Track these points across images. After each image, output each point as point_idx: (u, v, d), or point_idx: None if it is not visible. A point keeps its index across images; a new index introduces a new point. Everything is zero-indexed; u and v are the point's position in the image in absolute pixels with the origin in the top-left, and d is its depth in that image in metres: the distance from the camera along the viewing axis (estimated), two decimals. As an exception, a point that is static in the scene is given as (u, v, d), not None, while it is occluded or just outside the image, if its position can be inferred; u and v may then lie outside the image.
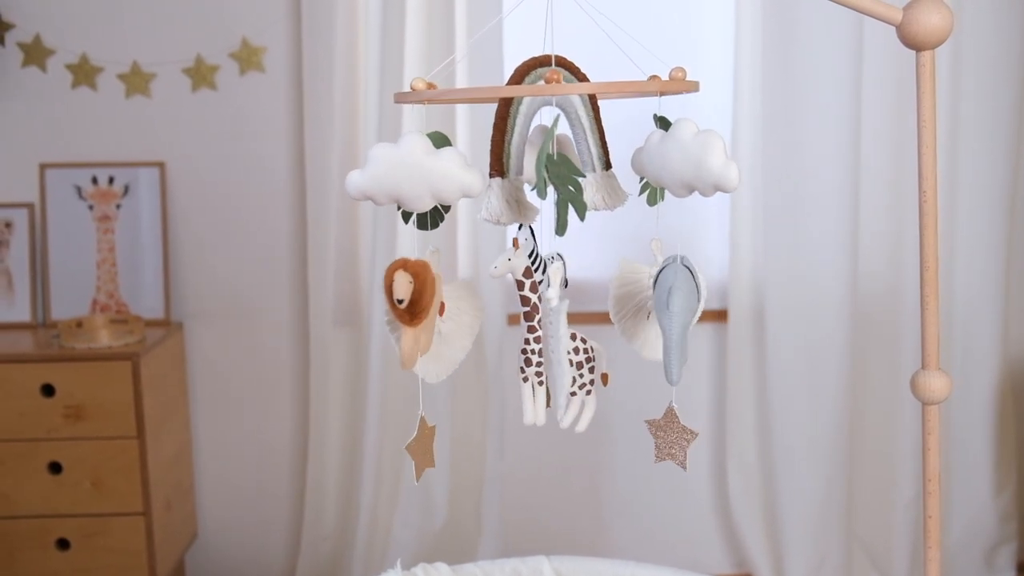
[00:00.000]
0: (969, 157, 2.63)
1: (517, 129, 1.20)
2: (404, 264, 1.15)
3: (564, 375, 1.19)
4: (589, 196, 1.18)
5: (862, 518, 2.80)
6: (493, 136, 1.21)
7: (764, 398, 2.73)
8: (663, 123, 1.20)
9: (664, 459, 1.23)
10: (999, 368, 2.73)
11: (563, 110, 1.19)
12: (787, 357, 2.67)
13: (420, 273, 1.15)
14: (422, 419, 1.23)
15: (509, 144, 1.20)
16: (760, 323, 2.71)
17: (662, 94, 1.16)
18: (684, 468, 1.22)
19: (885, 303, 2.71)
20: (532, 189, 1.16)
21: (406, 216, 1.18)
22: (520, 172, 1.22)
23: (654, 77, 1.19)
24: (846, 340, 2.65)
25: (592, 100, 1.20)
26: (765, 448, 2.76)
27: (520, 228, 1.33)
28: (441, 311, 1.27)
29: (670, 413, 1.22)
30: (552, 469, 2.86)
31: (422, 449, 1.23)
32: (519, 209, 1.23)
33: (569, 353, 1.24)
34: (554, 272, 1.18)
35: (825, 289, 2.64)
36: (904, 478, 2.75)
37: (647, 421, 1.24)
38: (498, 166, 1.20)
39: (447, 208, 1.18)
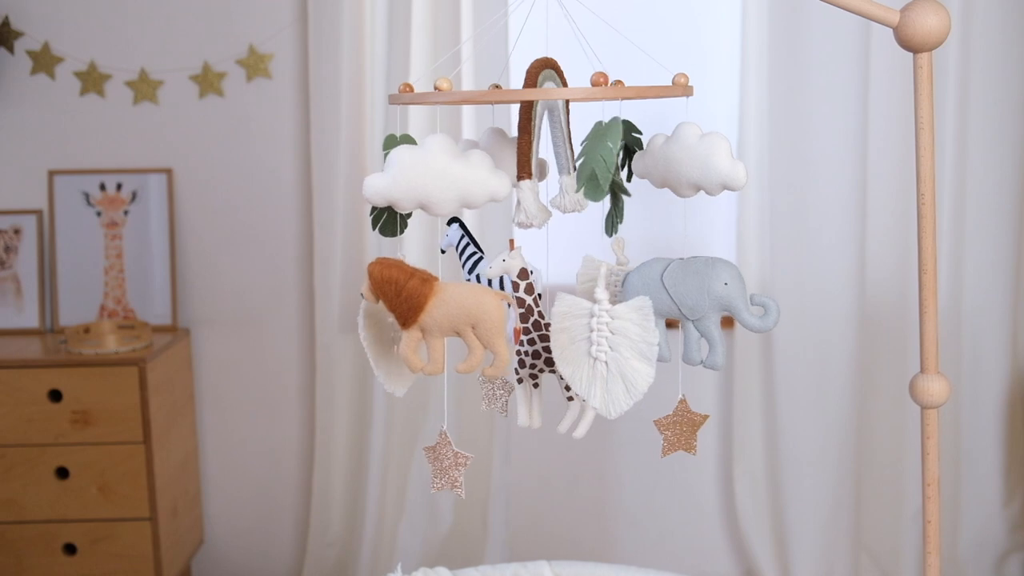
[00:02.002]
0: (977, 163, 2.61)
1: (536, 132, 1.20)
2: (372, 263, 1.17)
3: (645, 372, 1.15)
4: (566, 199, 1.19)
5: (870, 526, 2.78)
6: (521, 139, 1.19)
7: (771, 404, 2.71)
8: (627, 128, 1.22)
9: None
10: (1008, 377, 2.71)
11: (550, 114, 1.20)
12: (794, 363, 2.66)
13: (372, 273, 1.16)
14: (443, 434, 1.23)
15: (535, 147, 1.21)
16: (767, 329, 2.70)
17: (624, 99, 1.17)
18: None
19: (893, 309, 2.70)
20: (578, 190, 1.14)
21: (375, 223, 1.19)
22: (540, 175, 1.23)
23: (618, 82, 1.19)
24: (854, 346, 2.64)
25: (567, 105, 1.20)
26: (772, 455, 2.74)
27: (449, 224, 1.34)
28: (516, 336, 1.23)
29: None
30: (558, 476, 2.85)
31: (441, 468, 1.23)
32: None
33: None
34: (604, 272, 1.17)
35: (832, 294, 2.62)
36: (912, 486, 2.73)
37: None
38: (528, 169, 1.19)
39: (409, 214, 1.18)
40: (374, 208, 1.21)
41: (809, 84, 2.56)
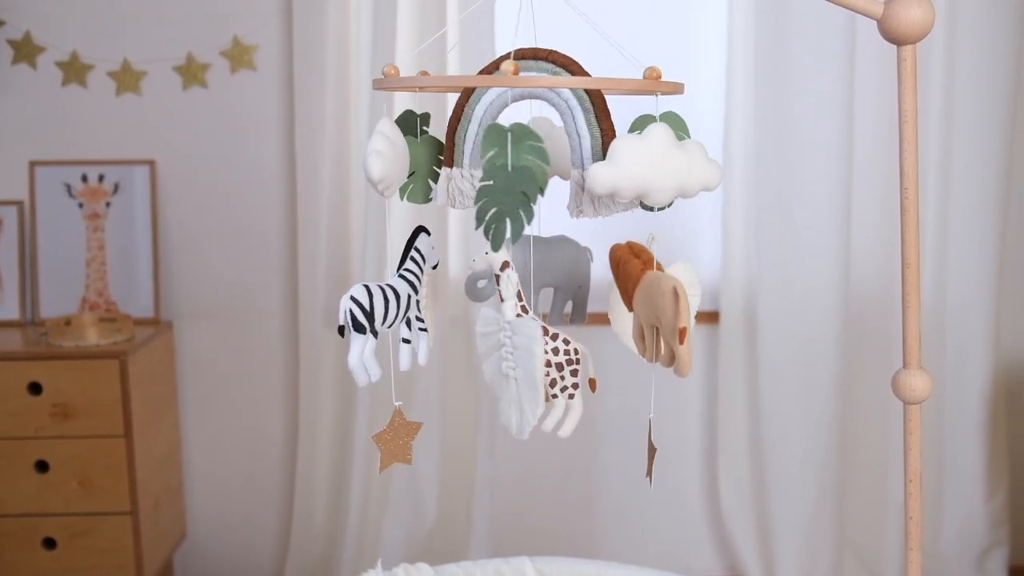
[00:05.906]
0: (960, 161, 2.62)
1: (473, 120, 1.19)
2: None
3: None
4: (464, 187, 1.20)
5: (854, 522, 2.79)
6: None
7: (756, 401, 2.71)
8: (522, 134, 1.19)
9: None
10: (991, 373, 2.72)
11: (551, 103, 1.17)
12: (779, 360, 2.66)
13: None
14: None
15: (464, 133, 1.20)
16: (752, 325, 2.70)
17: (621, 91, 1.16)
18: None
19: (878, 307, 2.70)
20: None
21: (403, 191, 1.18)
22: (476, 164, 1.20)
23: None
24: (838, 343, 2.64)
25: (592, 95, 1.16)
26: (757, 451, 2.75)
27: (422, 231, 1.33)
28: (681, 336, 1.06)
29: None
30: (544, 471, 2.85)
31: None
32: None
33: (547, 353, 1.22)
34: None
35: (817, 291, 2.62)
36: (896, 482, 2.73)
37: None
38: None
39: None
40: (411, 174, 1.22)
41: (795, 83, 2.56)
